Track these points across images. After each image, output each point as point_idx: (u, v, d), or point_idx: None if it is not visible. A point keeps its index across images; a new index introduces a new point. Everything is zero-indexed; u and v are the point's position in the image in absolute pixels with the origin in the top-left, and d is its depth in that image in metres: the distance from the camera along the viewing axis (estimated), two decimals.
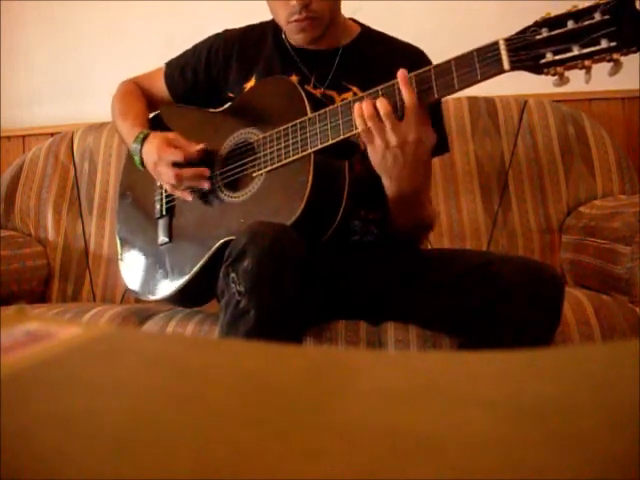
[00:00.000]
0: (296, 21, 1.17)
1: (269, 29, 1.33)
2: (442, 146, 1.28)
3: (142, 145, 1.26)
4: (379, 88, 1.04)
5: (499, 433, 0.22)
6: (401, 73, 1.00)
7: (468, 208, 1.72)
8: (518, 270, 1.02)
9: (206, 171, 1.22)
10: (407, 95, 0.99)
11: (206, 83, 1.36)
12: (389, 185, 1.07)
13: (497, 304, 1.01)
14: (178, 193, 1.26)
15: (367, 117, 1.00)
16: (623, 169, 1.69)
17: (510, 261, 1.06)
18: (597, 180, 1.69)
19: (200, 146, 1.22)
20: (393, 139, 1.00)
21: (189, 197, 1.24)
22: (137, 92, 1.43)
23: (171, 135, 1.25)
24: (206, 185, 1.22)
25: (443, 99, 1.21)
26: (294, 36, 1.22)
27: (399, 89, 1.01)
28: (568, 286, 1.31)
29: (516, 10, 1.74)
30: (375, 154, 1.03)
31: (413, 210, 1.15)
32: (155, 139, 1.25)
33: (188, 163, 1.22)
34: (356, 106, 1.02)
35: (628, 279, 1.27)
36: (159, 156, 1.22)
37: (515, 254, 1.59)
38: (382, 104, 1.00)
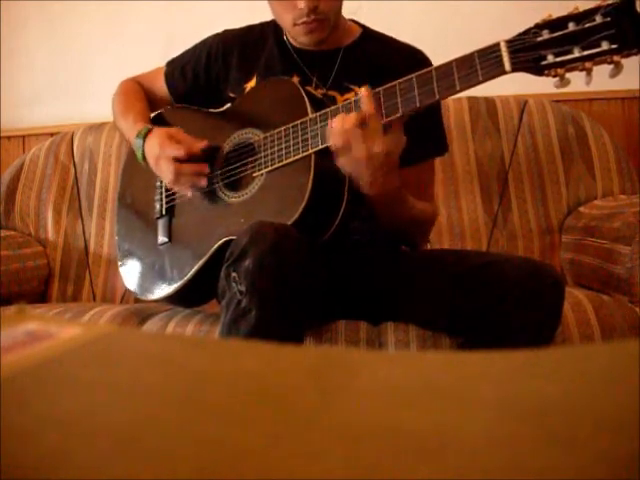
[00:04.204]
0: (304, 23, 1.16)
1: (270, 29, 1.33)
2: (441, 146, 1.29)
3: (144, 140, 1.26)
4: (352, 101, 1.07)
5: (499, 433, 0.22)
6: (364, 90, 1.03)
7: (468, 208, 1.72)
8: (518, 270, 1.02)
9: (205, 168, 1.22)
10: (366, 108, 1.02)
11: (206, 83, 1.36)
12: (362, 187, 1.09)
13: (497, 304, 1.01)
14: (177, 188, 1.26)
15: (338, 133, 1.03)
16: (623, 169, 1.69)
17: (510, 261, 1.06)
18: (597, 180, 1.69)
19: (203, 143, 1.22)
20: (360, 151, 1.02)
21: (189, 193, 1.24)
22: (138, 91, 1.43)
23: (173, 130, 1.25)
24: (203, 182, 1.22)
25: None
26: (301, 38, 1.21)
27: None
28: (568, 286, 1.30)
29: (516, 12, 1.74)
30: (344, 165, 1.06)
31: (395, 208, 1.15)
32: (158, 133, 1.25)
33: (189, 159, 1.22)
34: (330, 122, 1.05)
35: (628, 279, 1.27)
36: (161, 150, 1.22)
37: (515, 254, 1.59)
38: (348, 119, 1.02)
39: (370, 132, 1.02)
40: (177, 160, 1.21)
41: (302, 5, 1.13)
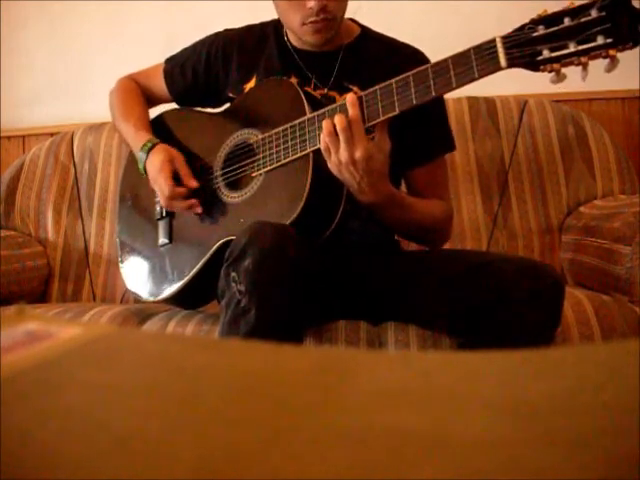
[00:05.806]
0: (312, 22, 1.16)
1: (270, 30, 1.33)
2: (449, 143, 1.29)
3: (147, 155, 1.27)
4: (337, 105, 1.08)
5: (499, 433, 0.22)
6: (349, 96, 1.05)
7: (468, 208, 1.72)
8: (518, 270, 1.02)
9: (197, 206, 1.25)
10: (350, 113, 1.03)
11: (206, 82, 1.36)
12: (353, 193, 1.09)
13: (497, 304, 1.01)
14: (170, 210, 1.30)
15: (325, 134, 1.04)
16: (623, 169, 1.69)
17: (510, 261, 1.06)
18: (597, 180, 1.69)
19: (194, 185, 1.25)
20: (344, 156, 1.03)
21: (185, 213, 1.28)
22: (136, 90, 1.43)
23: (175, 155, 1.27)
24: (198, 210, 1.25)
25: (444, 98, 1.22)
26: (308, 37, 1.20)
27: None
28: (568, 286, 1.30)
29: (516, 12, 1.74)
30: (332, 170, 1.07)
31: (393, 214, 1.16)
32: (159, 155, 1.26)
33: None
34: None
35: (628, 279, 1.27)
36: (159, 175, 1.25)
37: (515, 254, 1.59)
38: (327, 123, 1.04)
39: (352, 137, 1.03)
40: (174, 183, 1.24)
41: (312, 4, 1.13)
